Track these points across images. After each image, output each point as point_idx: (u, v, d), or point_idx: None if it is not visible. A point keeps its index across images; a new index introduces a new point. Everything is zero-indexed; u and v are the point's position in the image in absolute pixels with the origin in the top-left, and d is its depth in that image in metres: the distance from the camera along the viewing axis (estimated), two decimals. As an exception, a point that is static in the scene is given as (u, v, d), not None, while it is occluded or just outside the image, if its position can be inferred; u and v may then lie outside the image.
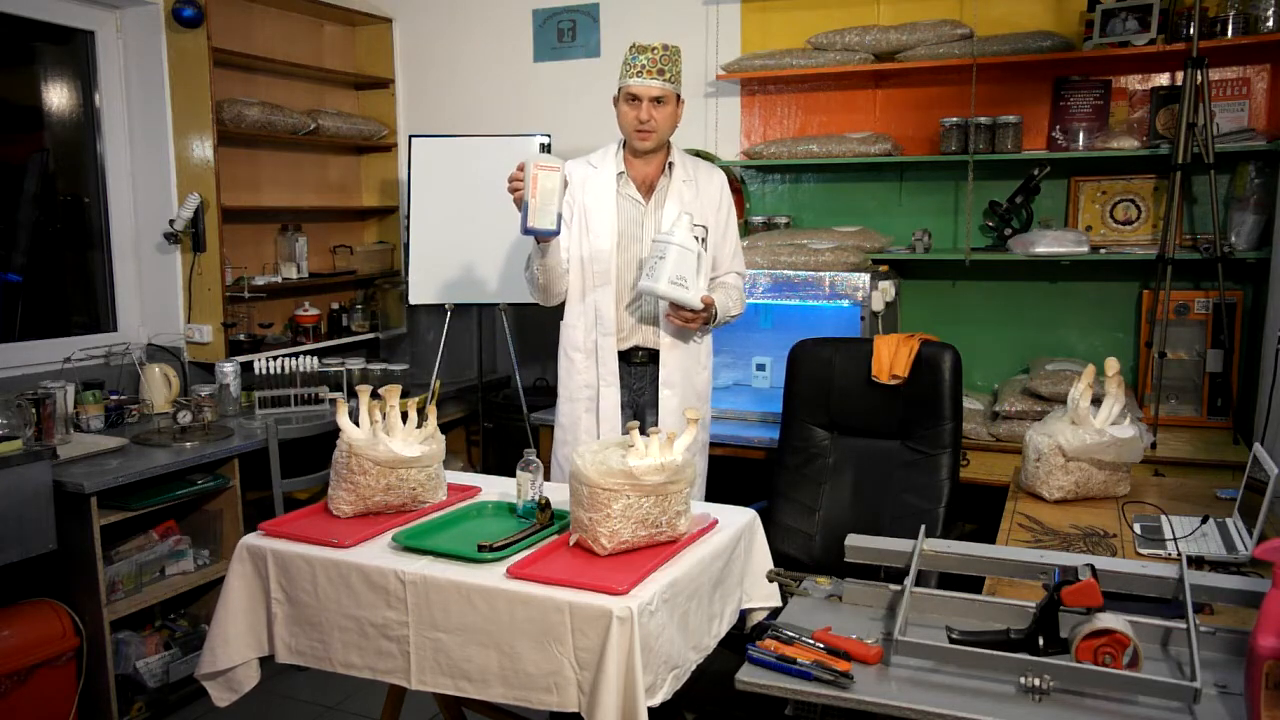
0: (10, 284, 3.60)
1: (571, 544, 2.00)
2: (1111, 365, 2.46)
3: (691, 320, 2.75)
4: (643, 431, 1.99)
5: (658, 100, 2.71)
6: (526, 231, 2.45)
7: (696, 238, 2.72)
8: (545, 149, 2.41)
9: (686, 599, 1.93)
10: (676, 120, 2.80)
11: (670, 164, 2.86)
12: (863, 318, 3.32)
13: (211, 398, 3.46)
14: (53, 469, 2.79)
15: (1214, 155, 3.11)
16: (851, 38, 3.60)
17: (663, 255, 2.66)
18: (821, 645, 1.59)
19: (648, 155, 2.82)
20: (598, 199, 2.82)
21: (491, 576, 1.87)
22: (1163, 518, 2.20)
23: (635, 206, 2.84)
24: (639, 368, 2.89)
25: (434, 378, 4.11)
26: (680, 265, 2.65)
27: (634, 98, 2.71)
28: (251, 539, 2.11)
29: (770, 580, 2.00)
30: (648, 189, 2.86)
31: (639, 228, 2.83)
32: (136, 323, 3.89)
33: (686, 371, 2.88)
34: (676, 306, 2.72)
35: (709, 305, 2.74)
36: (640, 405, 2.91)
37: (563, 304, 2.89)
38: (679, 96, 2.77)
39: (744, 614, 2.21)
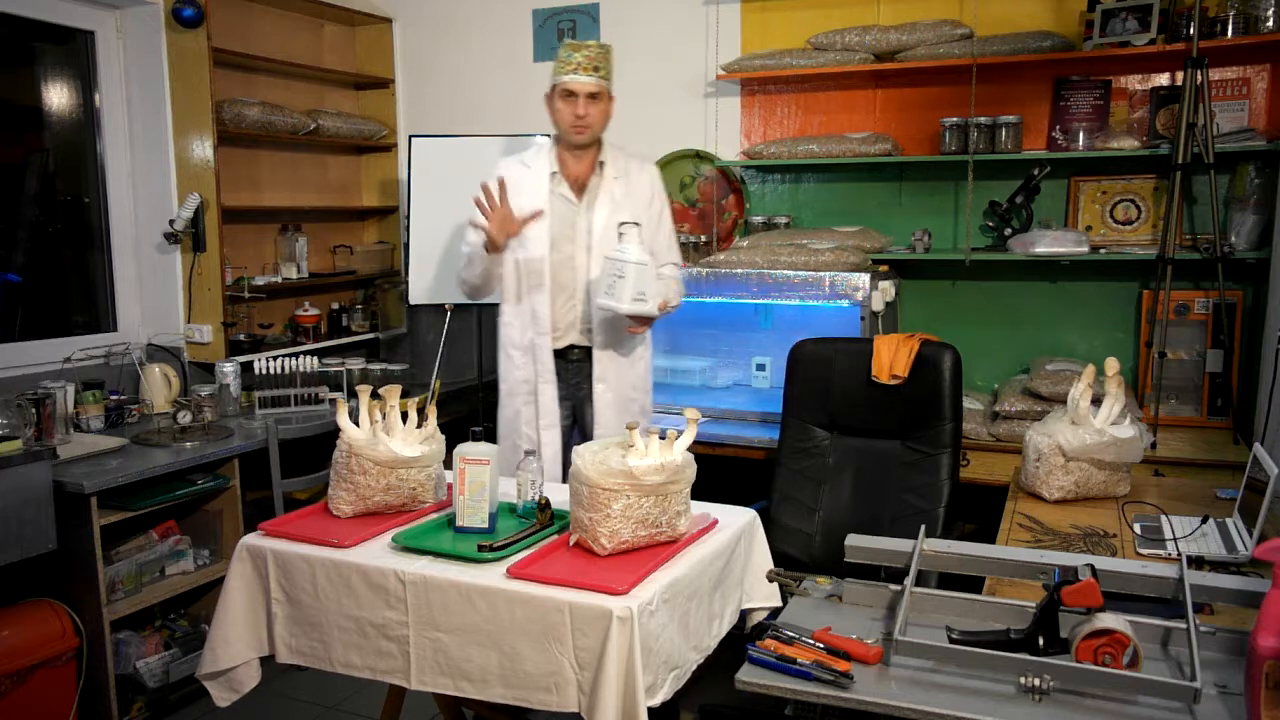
0: (10, 284, 3.60)
1: (571, 544, 2.00)
2: (1111, 365, 2.46)
3: (647, 325, 2.84)
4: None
5: (593, 96, 2.78)
6: (459, 530, 2.12)
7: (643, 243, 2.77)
8: (476, 436, 2.17)
9: (686, 599, 1.93)
10: (609, 117, 2.88)
11: (601, 162, 2.91)
12: (863, 318, 3.32)
13: (211, 398, 3.46)
14: (53, 469, 2.78)
15: (1214, 155, 3.11)
16: (851, 38, 3.60)
17: (621, 274, 2.69)
18: (821, 645, 1.59)
19: (581, 152, 2.89)
20: (531, 200, 2.86)
21: (491, 576, 1.87)
22: (1163, 518, 2.20)
23: (568, 206, 2.91)
24: (575, 364, 2.98)
25: (434, 378, 4.11)
26: (640, 281, 2.70)
27: (570, 94, 2.78)
28: (251, 539, 2.12)
29: (770, 580, 2.00)
30: (580, 188, 2.92)
31: (571, 228, 2.90)
32: (136, 323, 3.89)
33: (620, 366, 2.98)
34: (634, 317, 2.78)
35: (664, 308, 2.81)
36: (578, 399, 3.01)
37: (498, 302, 2.98)
38: (610, 94, 2.85)
39: (744, 614, 2.22)
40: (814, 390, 2.86)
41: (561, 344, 2.96)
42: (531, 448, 2.57)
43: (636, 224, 2.76)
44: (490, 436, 2.17)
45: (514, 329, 2.97)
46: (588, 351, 2.96)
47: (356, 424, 2.21)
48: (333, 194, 4.58)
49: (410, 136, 4.13)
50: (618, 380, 2.97)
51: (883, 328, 3.36)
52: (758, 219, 3.88)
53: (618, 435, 2.89)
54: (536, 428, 2.95)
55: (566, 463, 2.95)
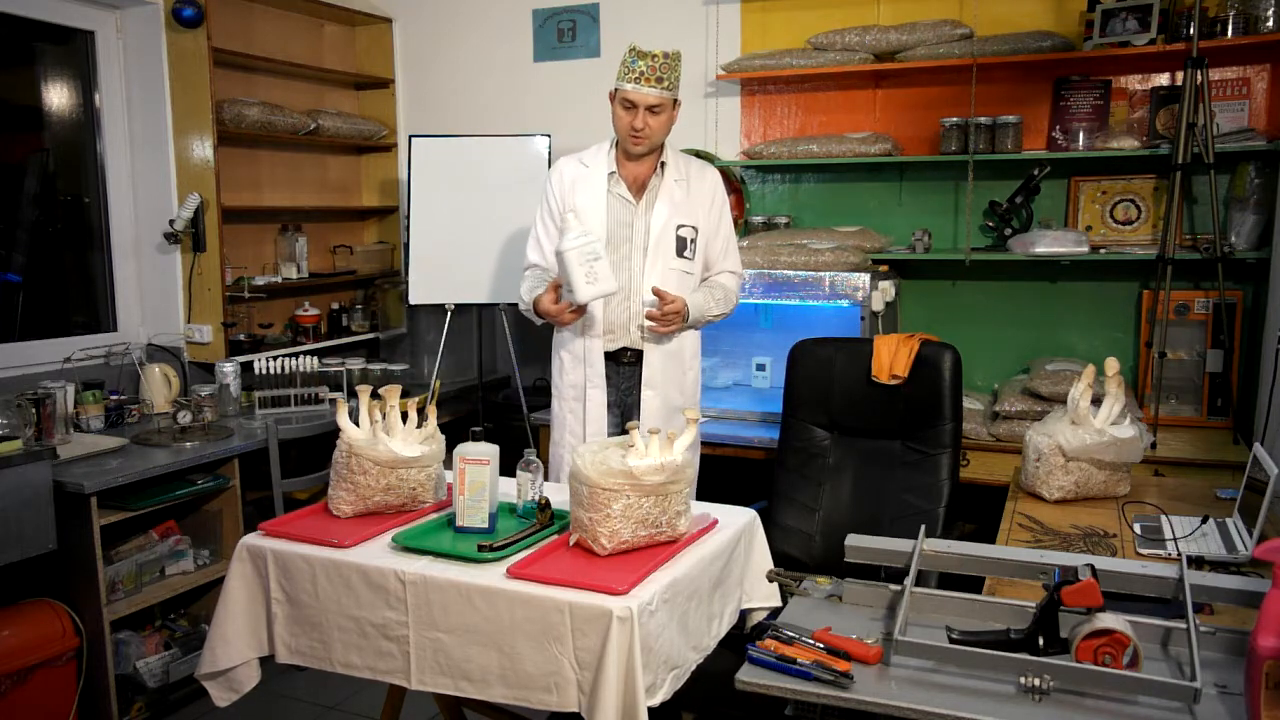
0: (10, 284, 3.60)
1: (571, 544, 2.00)
2: (1111, 365, 2.46)
3: (663, 320, 2.77)
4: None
5: (653, 108, 2.72)
6: (459, 530, 2.11)
7: (591, 238, 2.70)
8: (475, 436, 2.16)
9: (686, 599, 1.93)
10: (672, 124, 2.81)
11: (663, 164, 2.86)
12: (863, 318, 3.32)
13: (211, 398, 3.46)
14: (53, 469, 2.78)
15: (1214, 155, 3.11)
16: (851, 38, 3.60)
17: (565, 267, 2.66)
18: (821, 645, 1.59)
19: (640, 156, 2.83)
20: (588, 200, 2.84)
21: (491, 576, 1.87)
22: (1163, 518, 2.20)
23: (625, 206, 2.85)
24: (627, 368, 2.92)
25: (434, 378, 4.11)
26: (580, 267, 2.65)
27: (630, 104, 2.72)
28: (251, 539, 2.11)
29: (770, 580, 2.00)
30: (639, 188, 2.86)
31: (629, 228, 2.84)
32: (136, 323, 3.89)
33: (669, 372, 2.91)
34: (655, 307, 2.74)
35: (679, 306, 2.76)
36: (628, 405, 2.95)
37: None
38: (676, 101, 2.77)
39: (744, 614, 2.21)
40: (814, 390, 2.86)
41: (615, 346, 2.89)
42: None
43: (572, 212, 2.74)
44: (491, 437, 2.17)
45: (567, 331, 2.92)
46: (639, 355, 2.90)
47: (356, 424, 2.21)
48: (333, 194, 4.58)
49: (410, 136, 4.13)
50: (665, 387, 2.91)
51: (883, 328, 3.36)
52: (758, 219, 3.88)
53: None
54: (583, 434, 2.91)
55: None
